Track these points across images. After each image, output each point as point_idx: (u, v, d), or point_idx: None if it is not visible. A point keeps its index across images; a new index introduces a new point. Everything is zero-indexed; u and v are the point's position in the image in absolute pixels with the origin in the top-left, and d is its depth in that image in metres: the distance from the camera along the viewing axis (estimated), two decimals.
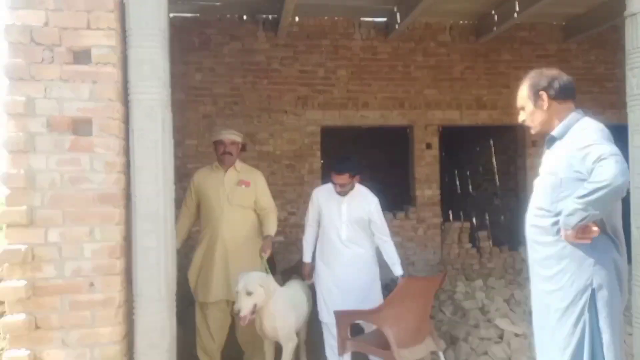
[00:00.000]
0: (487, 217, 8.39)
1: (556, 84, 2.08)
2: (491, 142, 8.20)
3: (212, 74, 6.17)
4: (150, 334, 2.32)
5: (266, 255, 3.29)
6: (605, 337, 1.86)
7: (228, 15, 6.24)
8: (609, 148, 1.83)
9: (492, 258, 6.69)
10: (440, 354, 3.20)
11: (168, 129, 2.40)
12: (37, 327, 2.20)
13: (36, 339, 2.20)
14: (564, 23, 6.72)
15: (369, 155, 8.78)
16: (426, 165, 6.63)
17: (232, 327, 3.50)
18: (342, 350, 3.13)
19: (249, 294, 2.97)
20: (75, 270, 2.22)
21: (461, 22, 6.69)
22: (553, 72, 2.12)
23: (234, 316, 3.43)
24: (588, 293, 1.90)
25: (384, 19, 6.47)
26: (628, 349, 3.09)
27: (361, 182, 3.59)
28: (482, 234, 6.88)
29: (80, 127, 2.22)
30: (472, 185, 9.13)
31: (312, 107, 6.38)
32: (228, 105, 6.20)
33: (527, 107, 2.15)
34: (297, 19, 6.30)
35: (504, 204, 7.82)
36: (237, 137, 3.51)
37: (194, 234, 3.71)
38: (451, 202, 8.66)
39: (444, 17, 6.49)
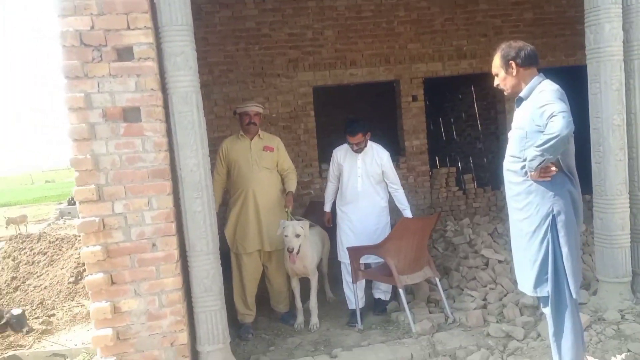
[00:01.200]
0: (471, 161, 8.97)
1: (522, 54, 2.51)
2: (472, 89, 8.64)
3: (205, 43, 6.40)
4: (204, 281, 2.84)
5: (289, 209, 3.86)
6: (564, 251, 2.41)
7: None
8: (560, 106, 2.31)
9: (477, 198, 7.31)
10: (437, 280, 3.81)
11: (201, 110, 2.81)
12: (113, 283, 2.69)
13: (113, 292, 2.70)
14: None
15: (357, 110, 9.18)
16: (413, 116, 7.08)
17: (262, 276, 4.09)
18: (355, 278, 3.75)
19: (297, 236, 3.65)
20: (140, 234, 2.69)
21: None
22: (519, 43, 2.55)
23: (265, 265, 4.00)
24: (550, 218, 2.44)
25: None
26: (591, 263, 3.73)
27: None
28: (467, 176, 7.45)
29: (130, 115, 2.62)
30: (456, 132, 9.65)
31: (303, 69, 6.70)
32: (224, 73, 6.50)
33: (500, 74, 2.59)
34: None
35: (486, 147, 8.38)
36: (260, 109, 3.98)
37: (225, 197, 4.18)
38: (437, 149, 9.20)
39: None
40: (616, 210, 3.24)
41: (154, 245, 2.73)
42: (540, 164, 2.38)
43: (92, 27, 2.53)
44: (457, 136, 9.62)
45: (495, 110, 7.75)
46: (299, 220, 3.86)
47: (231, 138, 4.09)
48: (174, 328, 2.79)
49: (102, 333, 2.68)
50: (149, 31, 2.59)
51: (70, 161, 2.57)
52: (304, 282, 4.02)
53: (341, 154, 4.06)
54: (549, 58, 7.05)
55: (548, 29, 7.06)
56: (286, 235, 3.66)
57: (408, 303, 3.90)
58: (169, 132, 2.77)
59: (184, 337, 2.81)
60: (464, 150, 9.27)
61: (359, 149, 3.91)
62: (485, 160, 8.50)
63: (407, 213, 4.00)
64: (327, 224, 4.19)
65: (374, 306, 4.13)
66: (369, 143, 3.99)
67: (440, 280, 3.91)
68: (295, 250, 3.64)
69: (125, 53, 2.59)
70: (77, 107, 2.54)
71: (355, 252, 3.74)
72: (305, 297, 4.00)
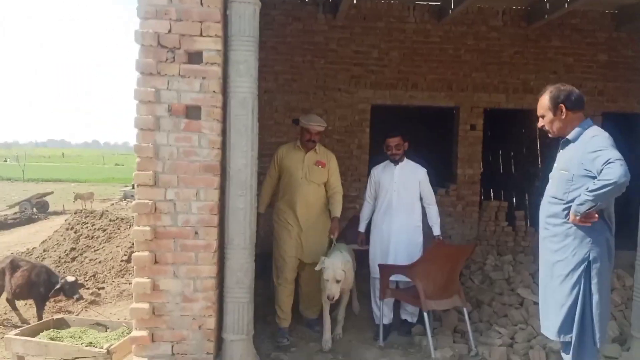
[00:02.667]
0: (526, 198, 8.69)
1: (572, 98, 2.51)
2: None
3: (274, 52, 6.70)
4: (237, 274, 3.03)
5: (334, 236, 3.92)
6: (595, 298, 2.38)
7: None
8: (616, 153, 2.29)
9: (527, 237, 7.08)
10: (465, 311, 3.78)
11: (256, 115, 3.02)
12: (156, 262, 2.94)
13: (155, 271, 2.94)
14: (615, 11, 6.80)
15: (413, 133, 9.18)
16: (469, 145, 7.02)
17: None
18: (382, 295, 3.81)
19: (337, 282, 3.53)
20: (185, 221, 2.93)
21: (514, 7, 6.89)
22: (568, 87, 2.56)
23: (299, 273, 4.06)
24: (585, 264, 2.41)
25: (438, 3, 6.76)
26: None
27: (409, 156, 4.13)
28: (519, 213, 7.24)
29: (192, 112, 2.88)
30: (514, 166, 9.40)
31: (364, 86, 6.85)
32: (287, 82, 6.77)
33: (547, 115, 2.60)
34: (354, 1, 6.71)
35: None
36: (322, 128, 4.01)
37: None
38: (493, 181, 8.99)
39: (497, 1, 6.71)
40: None
41: (196, 233, 2.95)
42: (589, 209, 2.36)
43: (170, 31, 2.81)
44: (516, 171, 9.36)
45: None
46: (341, 252, 3.75)
47: (288, 146, 4.17)
48: (204, 313, 2.99)
49: (140, 306, 2.92)
50: (218, 39, 2.84)
51: (134, 147, 2.86)
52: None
53: (378, 171, 4.13)
54: (621, 103, 6.79)
55: (622, 72, 6.80)
56: (327, 280, 3.51)
57: (434, 329, 3.91)
58: (223, 132, 2.99)
59: (211, 323, 3.01)
60: (520, 185, 9.00)
61: (397, 153, 3.95)
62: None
63: (436, 229, 4.00)
64: (360, 245, 4.16)
65: (400, 327, 4.16)
66: (406, 160, 4.04)
67: (470, 312, 3.88)
68: (335, 298, 3.53)
69: (195, 56, 2.85)
70: (146, 100, 2.82)
71: (386, 270, 3.81)
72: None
